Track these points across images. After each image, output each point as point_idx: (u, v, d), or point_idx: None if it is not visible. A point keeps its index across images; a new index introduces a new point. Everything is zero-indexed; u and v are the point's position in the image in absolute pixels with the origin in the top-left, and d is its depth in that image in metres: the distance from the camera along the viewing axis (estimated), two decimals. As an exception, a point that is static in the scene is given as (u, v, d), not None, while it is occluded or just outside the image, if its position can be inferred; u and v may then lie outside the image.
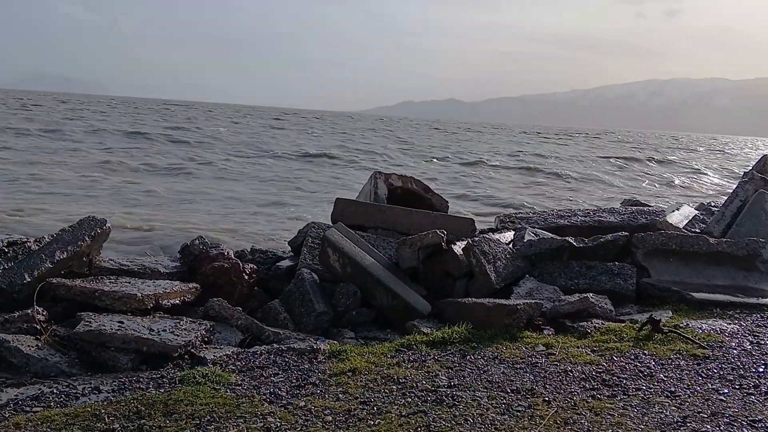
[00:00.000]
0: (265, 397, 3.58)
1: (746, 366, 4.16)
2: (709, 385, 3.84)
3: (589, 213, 7.71)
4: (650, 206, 8.68)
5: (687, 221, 7.88)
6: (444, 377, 3.91)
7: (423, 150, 40.71)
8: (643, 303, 5.94)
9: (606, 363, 4.20)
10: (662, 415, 3.35)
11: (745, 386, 3.81)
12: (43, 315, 4.54)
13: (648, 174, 33.43)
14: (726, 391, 3.74)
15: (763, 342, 4.69)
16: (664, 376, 3.96)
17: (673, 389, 3.74)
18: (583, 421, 3.25)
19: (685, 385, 3.82)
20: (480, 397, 3.57)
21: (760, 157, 9.11)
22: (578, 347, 4.55)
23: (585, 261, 6.29)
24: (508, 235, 6.99)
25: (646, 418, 3.30)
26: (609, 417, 3.32)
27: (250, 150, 31.36)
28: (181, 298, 5.09)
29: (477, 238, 6.16)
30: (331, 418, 3.27)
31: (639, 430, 3.16)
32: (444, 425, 3.18)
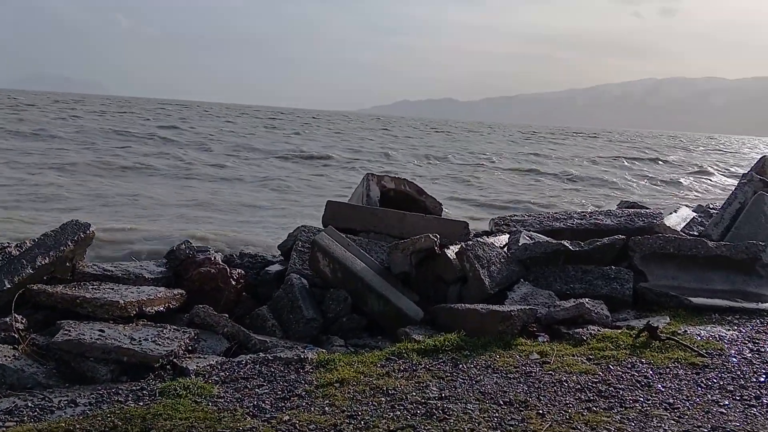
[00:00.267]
0: (248, 410, 3.44)
1: (747, 375, 4.04)
2: (709, 396, 3.72)
3: (585, 216, 7.58)
4: (648, 208, 8.56)
5: (685, 224, 7.77)
6: (435, 388, 3.78)
7: (417, 150, 40.55)
8: (640, 308, 5.82)
9: (602, 372, 4.08)
10: (661, 430, 3.22)
11: (746, 397, 3.69)
12: (22, 323, 4.40)
13: (647, 174, 33.35)
14: (726, 402, 3.62)
15: (763, 349, 4.56)
16: (662, 387, 3.84)
17: (671, 401, 3.62)
18: (578, 437, 3.12)
19: (684, 397, 3.69)
20: (471, 410, 3.44)
21: (758, 159, 8.99)
22: (573, 355, 4.42)
23: (581, 265, 6.17)
24: (503, 239, 6.87)
25: (644, 433, 3.18)
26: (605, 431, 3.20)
27: (242, 150, 31.06)
28: (166, 305, 4.94)
29: (471, 242, 6.04)
30: (315, 434, 3.14)
31: (636, 447, 3.04)
32: (433, 441, 3.06)
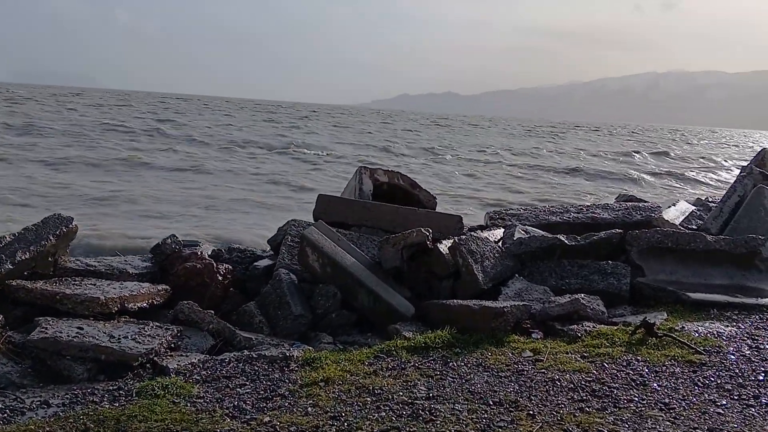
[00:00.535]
0: (227, 411, 3.32)
1: (745, 374, 3.91)
2: (706, 395, 3.59)
3: (582, 209, 7.43)
4: (646, 202, 8.42)
5: (683, 217, 7.62)
6: (423, 387, 3.66)
7: (414, 143, 40.29)
8: (637, 303, 5.69)
9: (596, 371, 3.95)
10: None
11: (744, 397, 3.56)
12: (-1, 320, 4.27)
13: (648, 166, 33.19)
14: (724, 402, 3.49)
15: (762, 347, 4.44)
16: (658, 386, 3.71)
17: (667, 401, 3.49)
18: (569, 439, 3.00)
19: (681, 396, 3.56)
20: (459, 411, 3.32)
21: (758, 151, 8.85)
22: (567, 353, 4.29)
23: (577, 260, 6.03)
24: (498, 233, 6.73)
25: (637, 436, 3.05)
26: (597, 434, 3.07)
27: (237, 144, 30.80)
28: (150, 301, 4.80)
29: (464, 237, 5.90)
30: (296, 437, 3.02)
31: (630, 450, 2.92)
32: (417, 444, 2.93)
